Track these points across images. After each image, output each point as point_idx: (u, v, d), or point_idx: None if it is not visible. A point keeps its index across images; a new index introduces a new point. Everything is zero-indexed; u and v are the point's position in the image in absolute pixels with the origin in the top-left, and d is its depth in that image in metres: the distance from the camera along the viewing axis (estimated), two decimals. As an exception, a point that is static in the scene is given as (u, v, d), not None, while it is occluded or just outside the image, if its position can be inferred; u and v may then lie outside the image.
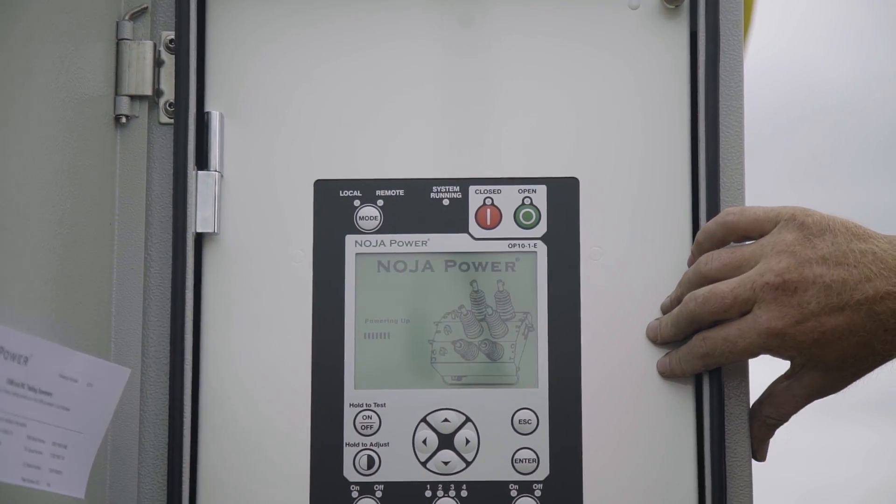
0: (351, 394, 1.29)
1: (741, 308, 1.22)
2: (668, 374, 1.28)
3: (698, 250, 1.28)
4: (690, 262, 1.29)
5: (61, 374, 1.07)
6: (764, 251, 1.22)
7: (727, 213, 1.26)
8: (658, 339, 1.28)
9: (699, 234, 1.28)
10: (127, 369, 1.15)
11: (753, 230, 1.25)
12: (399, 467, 1.28)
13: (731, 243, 1.26)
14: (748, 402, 1.28)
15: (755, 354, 1.24)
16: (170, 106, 1.32)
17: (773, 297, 1.20)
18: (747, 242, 1.26)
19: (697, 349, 1.25)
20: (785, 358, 1.25)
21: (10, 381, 1.02)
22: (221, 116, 1.32)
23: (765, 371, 1.32)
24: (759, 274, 1.21)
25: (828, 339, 1.20)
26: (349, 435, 1.28)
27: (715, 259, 1.25)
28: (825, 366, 1.23)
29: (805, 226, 1.22)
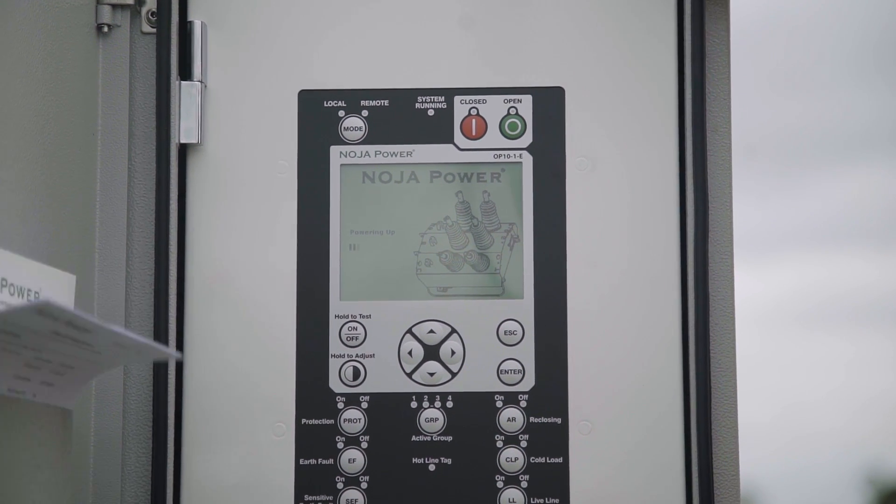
0: (336, 305, 1.28)
1: None
2: None
3: None
4: None
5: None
6: None
7: None
8: None
9: None
10: (72, 276, 1.12)
11: None
12: (385, 378, 1.28)
13: None
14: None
15: None
16: (152, 15, 1.31)
17: None
18: None
19: None
20: None
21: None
22: (204, 26, 1.31)
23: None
24: None
25: None
26: (335, 346, 1.28)
27: None
28: None
29: None
